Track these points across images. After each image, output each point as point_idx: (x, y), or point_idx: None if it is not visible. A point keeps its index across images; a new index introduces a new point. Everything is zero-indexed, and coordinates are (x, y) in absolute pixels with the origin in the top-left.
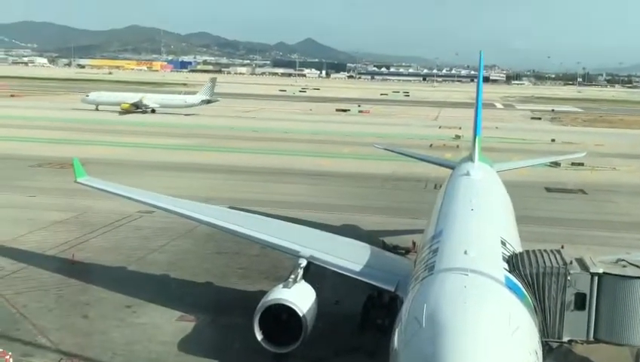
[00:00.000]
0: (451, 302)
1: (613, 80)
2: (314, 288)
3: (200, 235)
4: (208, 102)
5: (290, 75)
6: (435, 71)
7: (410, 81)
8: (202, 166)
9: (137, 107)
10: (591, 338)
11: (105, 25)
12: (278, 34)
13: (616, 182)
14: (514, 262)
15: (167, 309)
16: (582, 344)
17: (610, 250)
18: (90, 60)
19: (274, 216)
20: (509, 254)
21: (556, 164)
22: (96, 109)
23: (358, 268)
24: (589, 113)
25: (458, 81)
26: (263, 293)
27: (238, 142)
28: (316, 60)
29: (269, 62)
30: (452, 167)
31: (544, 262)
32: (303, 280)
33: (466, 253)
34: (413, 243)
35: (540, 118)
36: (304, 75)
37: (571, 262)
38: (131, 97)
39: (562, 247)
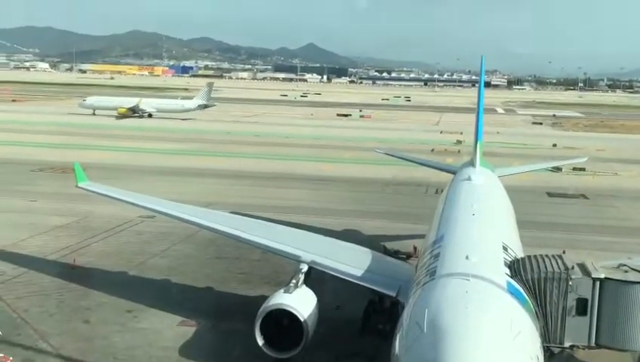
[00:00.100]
0: (453, 307)
1: (614, 85)
2: (315, 293)
3: (201, 240)
4: (205, 106)
5: (291, 79)
6: (436, 76)
7: (411, 85)
8: (202, 171)
9: (134, 112)
10: (592, 343)
11: (106, 30)
12: (280, 39)
13: (617, 188)
14: (515, 267)
15: (168, 314)
16: (583, 349)
17: (611, 255)
18: (92, 65)
19: (275, 221)
20: (510, 259)
21: (558, 169)
22: (94, 114)
23: (359, 273)
24: (591, 118)
25: (459, 86)
26: (264, 298)
27: (239, 146)
28: (318, 65)
29: (270, 67)
30: (453, 172)
31: (546, 267)
32: (304, 285)
33: (467, 258)
34: (415, 248)
35: (541, 123)
36: (305, 80)
37: (573, 267)
38: (128, 102)
39: (564, 252)
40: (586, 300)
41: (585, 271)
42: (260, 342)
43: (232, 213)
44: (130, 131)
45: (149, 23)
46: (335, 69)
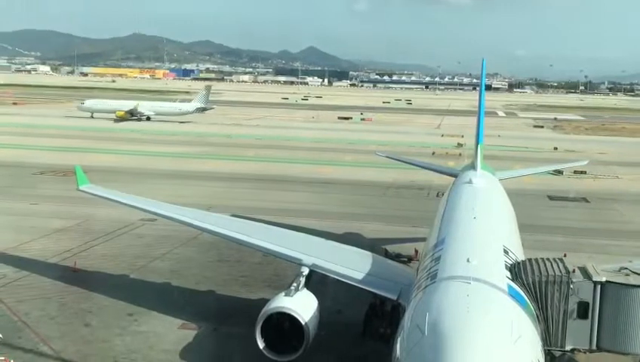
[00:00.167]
0: (454, 310)
1: (615, 88)
2: (316, 296)
3: (202, 243)
4: (203, 109)
5: (292, 82)
6: (437, 79)
7: (412, 89)
8: (203, 174)
9: (132, 114)
10: (594, 347)
11: (108, 33)
12: (281, 42)
13: (618, 191)
14: (516, 271)
15: (169, 317)
16: (584, 353)
17: (612, 259)
18: (93, 68)
19: (276, 224)
20: (511, 262)
21: (559, 172)
22: (92, 117)
23: (360, 276)
24: (592, 121)
25: (460, 89)
26: (265, 301)
27: (240, 149)
28: (319, 68)
29: (271, 70)
30: (454, 175)
31: (547, 271)
32: (305, 289)
33: (468, 261)
34: (416, 251)
35: (542, 126)
36: (306, 83)
37: (574, 271)
38: (126, 105)
39: (565, 256)
40: (587, 303)
41: (586, 274)
42: (261, 345)
43: (233, 215)
44: (129, 134)
45: (150, 26)
46: (336, 72)
